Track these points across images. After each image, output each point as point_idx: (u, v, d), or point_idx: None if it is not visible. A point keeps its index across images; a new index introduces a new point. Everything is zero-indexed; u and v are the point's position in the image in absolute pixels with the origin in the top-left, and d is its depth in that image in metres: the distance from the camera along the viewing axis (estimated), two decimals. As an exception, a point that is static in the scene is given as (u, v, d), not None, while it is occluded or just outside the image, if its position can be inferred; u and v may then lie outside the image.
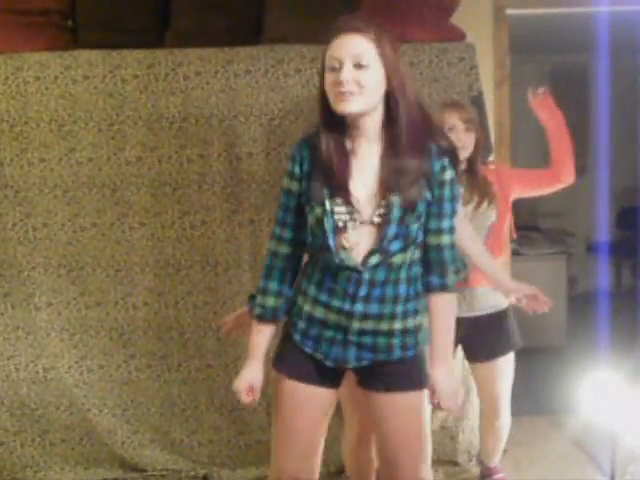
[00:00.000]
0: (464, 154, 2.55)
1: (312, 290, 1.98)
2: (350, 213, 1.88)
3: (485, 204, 2.62)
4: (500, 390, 2.78)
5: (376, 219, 1.87)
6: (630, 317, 4.70)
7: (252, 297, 2.11)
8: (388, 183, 1.86)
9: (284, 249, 2.01)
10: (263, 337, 2.06)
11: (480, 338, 2.67)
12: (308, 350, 2.00)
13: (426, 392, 2.02)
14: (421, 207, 1.88)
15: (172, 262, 3.05)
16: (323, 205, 1.88)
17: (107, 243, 3.02)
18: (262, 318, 2.05)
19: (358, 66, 1.80)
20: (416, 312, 1.97)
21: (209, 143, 2.98)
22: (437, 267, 1.96)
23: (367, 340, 1.95)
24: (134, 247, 3.03)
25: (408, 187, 1.85)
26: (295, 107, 2.96)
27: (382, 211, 1.87)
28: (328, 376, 2.02)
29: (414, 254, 1.93)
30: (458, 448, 3.18)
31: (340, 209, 1.88)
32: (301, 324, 2.00)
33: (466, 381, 2.96)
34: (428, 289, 1.98)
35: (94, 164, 2.98)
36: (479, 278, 2.54)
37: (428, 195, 1.89)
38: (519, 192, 2.75)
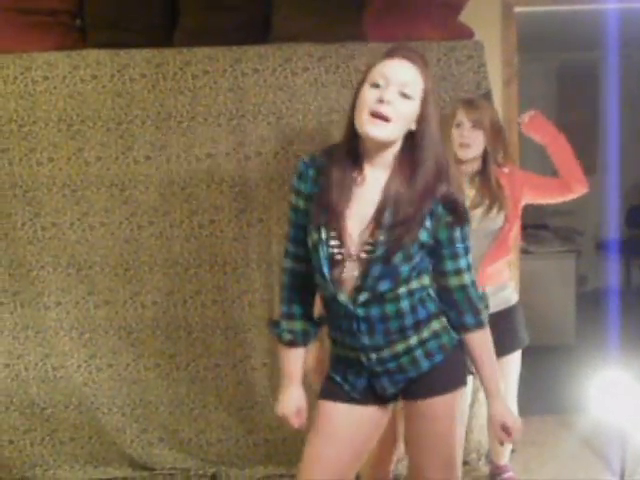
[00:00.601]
0: (469, 153, 2.54)
1: (331, 331, 1.99)
2: (340, 246, 1.84)
3: (495, 209, 2.57)
4: (505, 387, 2.77)
5: (362, 255, 1.83)
6: (640, 315, 4.69)
7: (275, 323, 2.05)
8: (379, 219, 1.82)
9: (301, 267, 1.98)
10: (296, 362, 2.04)
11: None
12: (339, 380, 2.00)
13: (465, 393, 2.03)
14: (413, 249, 1.82)
15: (181, 261, 3.05)
16: (319, 232, 1.84)
17: (116, 242, 3.03)
18: (294, 343, 2.02)
19: (402, 95, 1.77)
20: (429, 320, 1.91)
21: (217, 142, 2.98)
22: (467, 307, 1.92)
23: (391, 365, 1.92)
24: (143, 246, 3.04)
25: (397, 225, 1.80)
26: (303, 106, 2.96)
27: (369, 248, 1.83)
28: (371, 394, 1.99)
29: (411, 285, 1.87)
30: (467, 447, 3.17)
31: (334, 241, 1.84)
32: (332, 363, 2.02)
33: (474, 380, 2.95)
34: (464, 330, 1.94)
35: (102, 163, 2.98)
36: (485, 279, 2.53)
37: (425, 236, 1.83)
38: (530, 198, 2.71)
